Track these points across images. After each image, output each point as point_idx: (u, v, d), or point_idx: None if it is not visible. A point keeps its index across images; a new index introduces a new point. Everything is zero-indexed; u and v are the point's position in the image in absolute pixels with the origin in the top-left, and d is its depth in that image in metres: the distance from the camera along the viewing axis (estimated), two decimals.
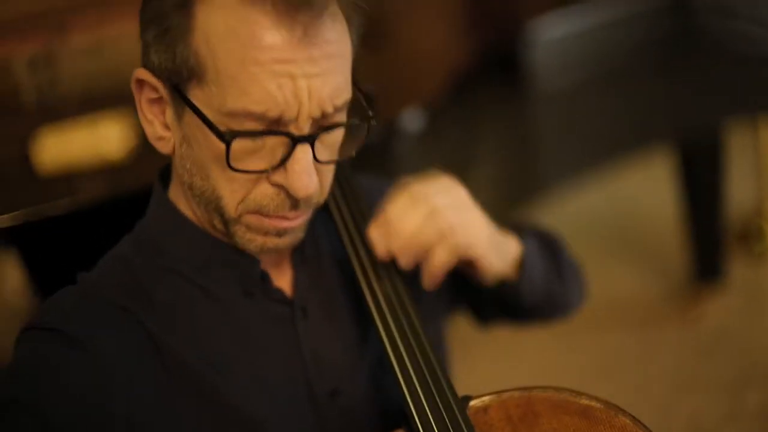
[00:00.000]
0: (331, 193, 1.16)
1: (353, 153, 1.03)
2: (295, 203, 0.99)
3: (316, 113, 0.93)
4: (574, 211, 3.25)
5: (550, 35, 2.17)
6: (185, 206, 1.06)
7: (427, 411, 1.00)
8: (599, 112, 2.34)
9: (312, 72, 0.91)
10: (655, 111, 2.49)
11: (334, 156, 1.01)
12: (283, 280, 1.11)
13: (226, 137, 0.92)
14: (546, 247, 1.30)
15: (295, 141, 0.94)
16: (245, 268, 1.06)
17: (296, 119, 0.93)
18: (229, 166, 0.93)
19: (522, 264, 1.21)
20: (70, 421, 0.93)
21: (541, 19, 2.19)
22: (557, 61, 2.20)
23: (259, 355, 1.05)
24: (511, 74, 2.17)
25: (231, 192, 0.97)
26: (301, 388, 1.07)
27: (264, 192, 0.98)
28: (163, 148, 1.02)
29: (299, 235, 1.05)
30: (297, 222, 1.02)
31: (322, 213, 1.13)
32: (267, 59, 0.90)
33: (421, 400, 1.01)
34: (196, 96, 0.94)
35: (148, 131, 1.01)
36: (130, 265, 1.06)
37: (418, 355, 1.05)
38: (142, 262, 1.06)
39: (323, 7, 0.92)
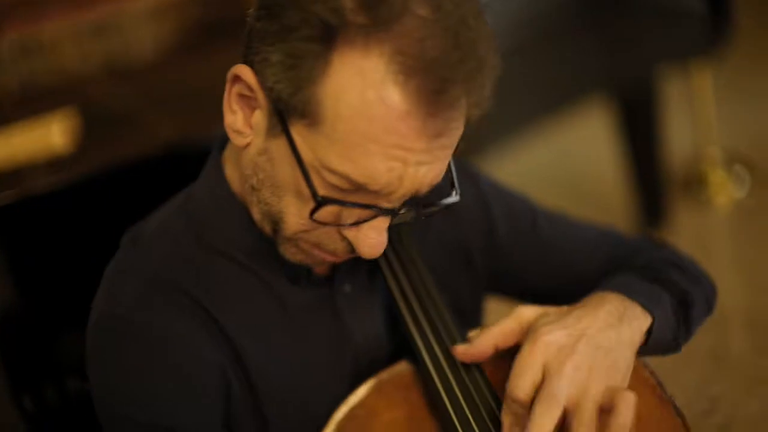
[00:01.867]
0: None
1: (425, 218, 0.99)
2: (353, 252, 0.97)
3: (414, 188, 0.91)
4: (517, 170, 3.27)
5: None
6: (238, 185, 1.03)
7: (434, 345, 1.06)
8: (532, 72, 2.35)
9: (425, 161, 0.89)
10: (587, 64, 2.53)
11: (410, 216, 0.98)
12: (323, 265, 1.08)
13: (319, 199, 0.89)
14: (680, 304, 1.14)
15: (381, 213, 0.92)
16: (291, 262, 1.03)
17: (391, 195, 0.91)
18: (311, 219, 0.91)
19: (651, 334, 1.07)
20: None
21: None
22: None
23: (310, 340, 1.08)
24: None
25: (298, 222, 0.95)
26: (348, 364, 1.09)
27: (330, 235, 0.96)
28: (237, 140, 0.97)
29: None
30: (345, 259, 1.01)
31: None
32: (390, 143, 0.86)
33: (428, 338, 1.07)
34: (300, 133, 0.89)
35: (228, 119, 0.96)
36: (182, 244, 1.06)
37: (432, 312, 1.09)
38: (193, 241, 1.06)
39: (459, 106, 0.89)
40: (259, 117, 0.93)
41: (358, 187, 0.89)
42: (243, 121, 0.95)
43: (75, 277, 1.06)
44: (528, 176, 3.44)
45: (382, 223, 0.93)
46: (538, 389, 0.94)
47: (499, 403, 1.00)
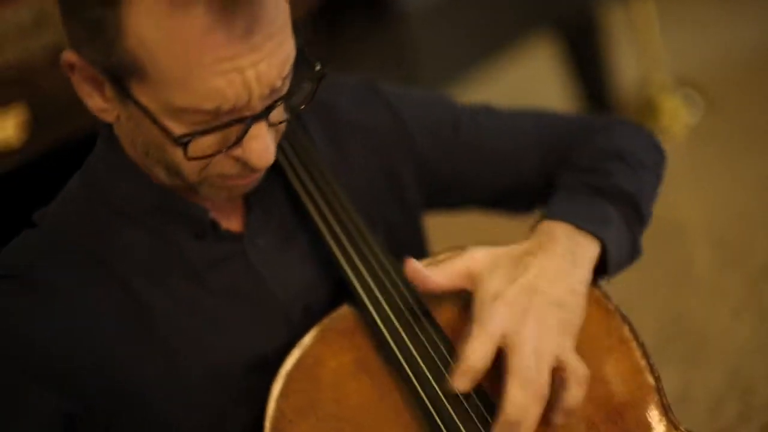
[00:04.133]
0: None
1: (303, 106, 0.99)
2: (255, 169, 0.96)
3: (267, 92, 0.90)
4: None
5: None
6: (130, 147, 1.02)
7: (363, 272, 1.04)
8: (470, 14, 2.37)
9: (258, 59, 0.88)
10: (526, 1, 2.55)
11: (285, 114, 0.98)
12: (234, 220, 1.08)
13: (181, 141, 0.89)
14: (631, 209, 1.12)
15: (250, 122, 0.91)
16: (194, 215, 1.03)
17: (248, 103, 0.90)
18: (185, 156, 0.90)
19: (608, 262, 1.06)
20: (43, 365, 0.95)
21: None
22: None
23: (223, 294, 1.04)
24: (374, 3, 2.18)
25: (190, 167, 0.94)
26: (273, 315, 1.06)
27: (223, 163, 0.95)
28: (106, 117, 0.97)
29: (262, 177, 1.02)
30: (258, 177, 1.01)
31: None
32: (211, 60, 0.86)
33: (361, 274, 1.05)
34: (140, 90, 0.89)
35: (89, 104, 0.96)
36: (84, 208, 1.04)
37: (368, 255, 1.07)
38: (95, 205, 1.03)
39: None
40: (108, 89, 0.93)
41: (216, 113, 0.89)
42: (101, 98, 0.95)
43: None
44: None
45: (259, 130, 0.93)
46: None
47: (447, 343, 1.00)
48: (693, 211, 2.98)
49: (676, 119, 3.41)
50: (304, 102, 0.99)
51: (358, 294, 1.04)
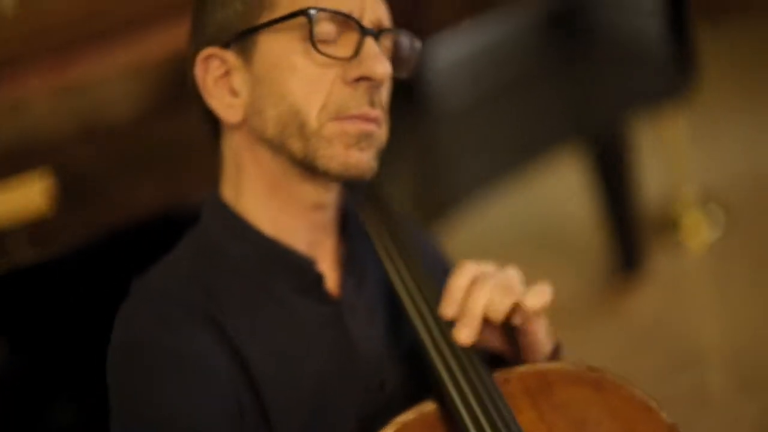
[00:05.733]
0: (368, 213, 1.20)
1: (406, 74, 1.14)
2: (372, 98, 1.06)
3: (376, 19, 1.07)
4: (495, 219, 3.30)
5: (439, 61, 2.21)
6: (245, 203, 1.11)
7: (462, 383, 1.03)
8: (500, 124, 2.39)
9: None
10: (555, 114, 2.56)
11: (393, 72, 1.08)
12: (331, 282, 1.14)
13: (308, 11, 1.02)
14: None
15: (364, 32, 1.04)
16: (302, 267, 1.10)
17: (362, 18, 1.05)
18: (314, 47, 1.02)
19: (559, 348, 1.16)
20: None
21: (427, 45, 2.17)
22: (450, 82, 2.25)
23: (316, 353, 1.09)
24: (406, 99, 2.19)
25: (310, 100, 1.04)
26: (357, 382, 1.10)
27: (341, 91, 1.05)
28: (234, 116, 1.08)
29: (374, 161, 1.10)
30: (375, 126, 1.08)
31: (366, 238, 1.17)
32: None
33: (455, 376, 1.03)
34: (265, 20, 1.05)
35: (216, 105, 1.09)
36: (192, 266, 1.10)
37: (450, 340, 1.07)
38: (203, 262, 1.10)
39: None
40: (237, 74, 1.07)
41: (332, 20, 1.04)
42: (228, 94, 1.08)
43: (69, 344, 1.07)
44: (503, 222, 3.46)
45: (374, 48, 1.05)
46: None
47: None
48: (709, 331, 2.94)
49: (696, 235, 3.40)
50: (406, 71, 1.14)
51: (448, 391, 1.03)
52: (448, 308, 1.07)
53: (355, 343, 1.11)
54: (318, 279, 1.11)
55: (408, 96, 2.20)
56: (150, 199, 1.76)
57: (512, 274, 1.09)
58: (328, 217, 1.16)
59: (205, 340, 1.03)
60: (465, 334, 1.05)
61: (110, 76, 2.22)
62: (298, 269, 1.10)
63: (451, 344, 1.05)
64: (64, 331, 1.46)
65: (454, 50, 2.25)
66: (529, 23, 2.46)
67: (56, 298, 1.17)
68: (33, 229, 1.74)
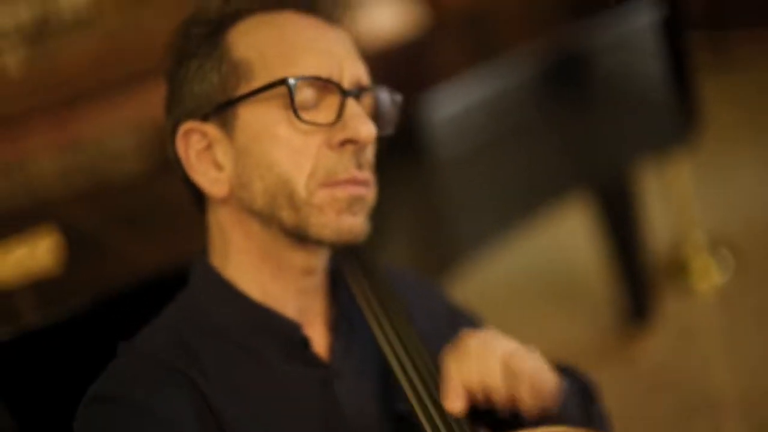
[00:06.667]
0: (355, 274, 1.17)
1: (390, 130, 1.13)
2: (359, 161, 1.06)
3: (355, 78, 1.07)
4: (503, 269, 3.29)
5: (443, 111, 2.21)
6: (233, 271, 1.10)
7: None
8: (504, 175, 2.39)
9: (343, 50, 1.08)
10: (559, 163, 2.56)
11: (377, 130, 1.07)
12: (320, 346, 1.12)
13: (288, 80, 1.02)
14: (581, 391, 1.21)
15: (345, 94, 1.04)
16: (288, 332, 1.09)
17: (341, 80, 1.05)
18: (296, 115, 1.02)
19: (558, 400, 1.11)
20: None
21: (431, 95, 2.23)
22: (453, 132, 2.25)
23: (302, 418, 1.07)
24: (408, 150, 2.19)
25: (297, 169, 1.04)
26: None
27: (328, 157, 1.04)
28: (220, 191, 1.07)
29: (366, 224, 1.09)
30: (365, 189, 1.08)
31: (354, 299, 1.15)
32: (306, 38, 1.06)
33: None
34: (248, 88, 1.05)
35: (201, 180, 1.08)
36: (177, 331, 1.09)
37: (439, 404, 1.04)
38: (189, 327, 1.09)
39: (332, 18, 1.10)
40: (219, 147, 1.07)
41: (312, 85, 1.04)
42: (213, 168, 1.08)
43: (73, 407, 1.07)
44: (511, 271, 3.45)
45: (356, 108, 1.05)
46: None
47: None
48: (721, 376, 2.91)
49: (706, 279, 3.39)
50: (390, 128, 1.13)
51: None
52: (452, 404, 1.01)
53: (343, 408, 1.09)
54: (304, 342, 1.09)
55: (411, 147, 2.21)
56: (156, 256, 1.76)
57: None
58: (318, 280, 1.15)
59: (180, 402, 1.01)
60: (456, 404, 1.00)
61: (115, 132, 2.24)
62: (285, 333, 1.09)
63: (441, 409, 1.02)
64: (65, 396, 1.45)
65: (458, 99, 2.26)
66: (532, 72, 2.48)
67: (57, 362, 1.16)
68: (40, 287, 1.74)
